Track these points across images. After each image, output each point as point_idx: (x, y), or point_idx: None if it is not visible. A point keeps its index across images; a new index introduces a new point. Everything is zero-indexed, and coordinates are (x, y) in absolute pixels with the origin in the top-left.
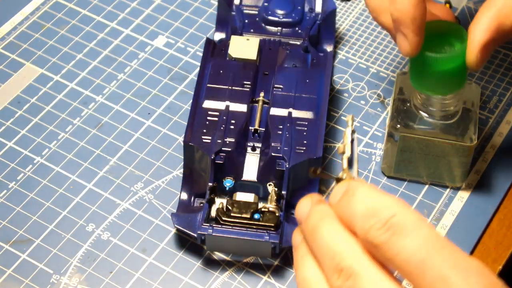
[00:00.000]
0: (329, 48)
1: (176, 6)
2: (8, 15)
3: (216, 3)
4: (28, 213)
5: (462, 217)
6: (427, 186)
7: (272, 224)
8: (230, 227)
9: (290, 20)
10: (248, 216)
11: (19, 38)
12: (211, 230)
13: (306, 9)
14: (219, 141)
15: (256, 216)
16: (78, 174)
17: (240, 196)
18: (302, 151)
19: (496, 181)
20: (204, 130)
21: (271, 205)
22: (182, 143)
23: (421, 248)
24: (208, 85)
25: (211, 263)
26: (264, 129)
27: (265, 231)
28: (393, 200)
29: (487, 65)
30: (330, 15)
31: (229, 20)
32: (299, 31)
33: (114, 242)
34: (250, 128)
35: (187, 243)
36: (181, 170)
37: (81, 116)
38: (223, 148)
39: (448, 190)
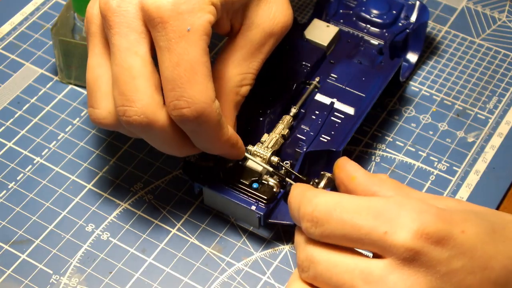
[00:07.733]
0: (412, 59)
1: None
2: (8, 15)
3: None
4: (27, 214)
5: None
6: (426, 187)
7: (265, 197)
8: (226, 188)
9: (380, 21)
10: (247, 183)
11: (19, 38)
12: (206, 186)
13: (402, 15)
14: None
15: (255, 185)
16: (78, 174)
17: (251, 164)
18: (326, 141)
19: (496, 181)
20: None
21: (272, 180)
22: None
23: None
24: None
25: (210, 264)
26: (304, 111)
27: (255, 201)
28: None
29: (486, 65)
30: (421, 26)
31: (326, 7)
32: (386, 34)
33: (114, 243)
34: (292, 107)
35: (187, 243)
36: (181, 170)
37: (81, 116)
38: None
39: (447, 190)
